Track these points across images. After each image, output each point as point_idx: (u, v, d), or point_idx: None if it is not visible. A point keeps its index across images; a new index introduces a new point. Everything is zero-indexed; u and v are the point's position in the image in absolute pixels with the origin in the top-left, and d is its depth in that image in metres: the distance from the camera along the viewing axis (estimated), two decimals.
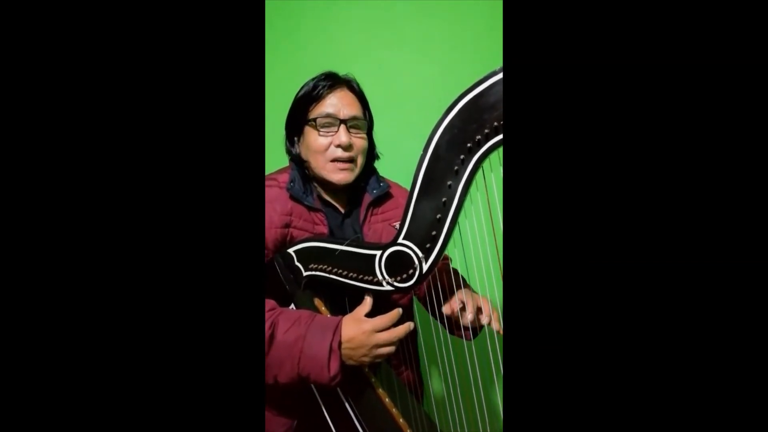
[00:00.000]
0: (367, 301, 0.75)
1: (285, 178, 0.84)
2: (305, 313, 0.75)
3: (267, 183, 0.83)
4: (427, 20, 1.35)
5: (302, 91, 0.84)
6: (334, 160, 0.81)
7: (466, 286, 0.90)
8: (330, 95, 0.82)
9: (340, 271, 0.75)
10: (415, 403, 0.81)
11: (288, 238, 0.81)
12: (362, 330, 0.71)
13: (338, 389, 0.76)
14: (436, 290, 0.81)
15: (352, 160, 0.83)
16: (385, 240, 0.74)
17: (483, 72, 0.60)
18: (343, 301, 0.79)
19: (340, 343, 0.71)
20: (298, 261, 0.78)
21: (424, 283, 0.85)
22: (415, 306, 0.93)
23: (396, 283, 0.72)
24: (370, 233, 0.87)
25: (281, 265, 0.78)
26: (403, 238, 0.70)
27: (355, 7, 1.36)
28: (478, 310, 0.81)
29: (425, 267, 0.70)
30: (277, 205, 0.80)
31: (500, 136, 0.61)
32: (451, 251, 0.88)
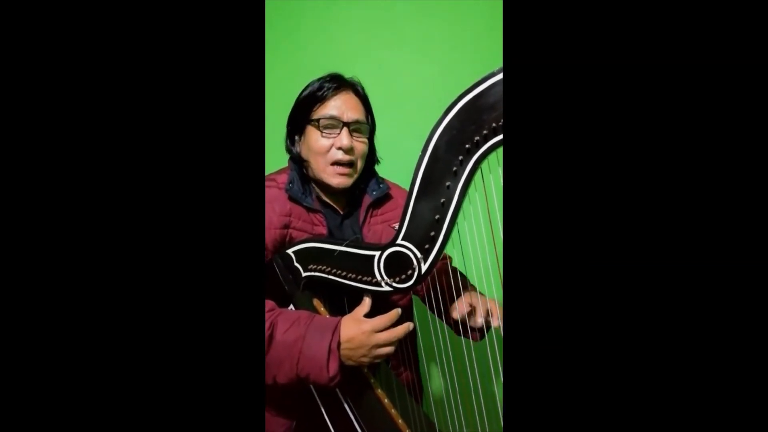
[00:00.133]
0: (366, 302, 0.75)
1: (284, 178, 0.84)
2: (304, 313, 0.75)
3: (266, 183, 0.83)
4: (427, 20, 1.35)
5: (306, 91, 0.84)
6: (334, 163, 0.81)
7: (471, 286, 0.90)
8: (335, 97, 0.82)
9: (339, 271, 0.75)
10: (414, 404, 0.81)
11: (287, 239, 0.81)
12: (361, 330, 0.72)
13: (337, 390, 0.76)
14: (441, 291, 0.81)
15: (351, 164, 0.83)
16: (384, 241, 0.74)
17: (483, 72, 0.60)
18: (342, 302, 0.80)
19: (339, 344, 0.71)
20: (297, 262, 0.78)
21: (424, 283, 0.85)
22: (414, 306, 0.93)
23: (395, 284, 0.72)
24: (369, 234, 0.87)
25: (280, 265, 0.79)
26: (402, 239, 0.70)
27: (355, 7, 1.36)
28: (487, 312, 0.81)
29: (424, 267, 0.70)
30: (276, 205, 0.81)
31: (499, 137, 0.61)
32: (450, 252, 0.88)
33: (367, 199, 0.89)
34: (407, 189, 0.69)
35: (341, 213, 0.88)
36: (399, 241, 0.70)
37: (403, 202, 0.69)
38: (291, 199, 0.82)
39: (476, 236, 0.71)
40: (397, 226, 0.70)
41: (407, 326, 0.73)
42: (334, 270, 0.76)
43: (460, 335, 0.83)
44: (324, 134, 0.81)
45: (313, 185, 0.87)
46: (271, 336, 0.72)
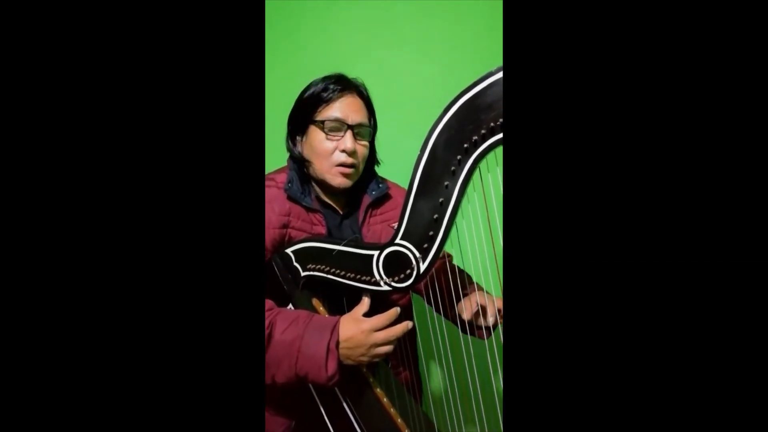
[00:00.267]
0: (365, 301, 0.75)
1: (283, 178, 0.84)
2: (303, 312, 0.76)
3: (265, 183, 0.83)
4: (427, 20, 1.35)
5: (310, 91, 0.83)
6: (337, 165, 0.82)
7: (475, 284, 0.90)
8: (340, 99, 0.82)
9: (338, 271, 0.75)
10: (413, 403, 0.81)
11: (286, 239, 0.81)
12: (360, 329, 0.72)
13: (336, 389, 0.76)
14: (444, 288, 0.81)
15: (354, 166, 0.83)
16: (383, 240, 0.74)
17: (483, 72, 0.60)
18: (341, 302, 0.80)
19: (338, 343, 0.71)
20: (296, 261, 0.78)
21: (426, 280, 0.85)
22: (413, 305, 0.93)
23: (393, 283, 0.72)
24: (369, 234, 0.88)
25: (279, 265, 0.79)
26: (401, 239, 0.70)
27: (355, 7, 1.36)
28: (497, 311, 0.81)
29: (422, 267, 0.70)
30: (275, 205, 0.81)
31: (497, 137, 0.61)
32: (449, 251, 0.88)
33: (367, 199, 0.89)
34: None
35: (341, 213, 0.88)
36: (398, 241, 0.70)
37: (401, 202, 0.69)
38: (290, 198, 0.82)
39: (475, 235, 0.71)
40: (396, 225, 0.70)
41: (406, 325, 0.73)
42: (333, 269, 0.76)
43: (466, 333, 0.83)
44: (329, 136, 0.81)
45: (313, 185, 0.87)
46: (270, 335, 0.72)
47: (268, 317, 0.73)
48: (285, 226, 0.81)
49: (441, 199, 0.66)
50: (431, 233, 0.68)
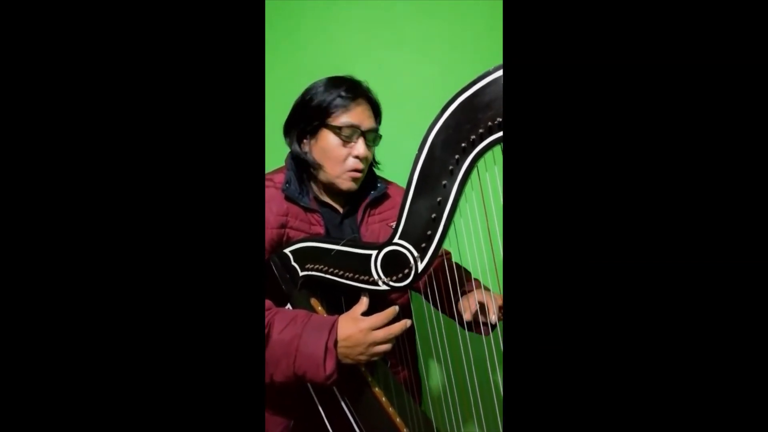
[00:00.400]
0: (364, 301, 0.75)
1: (281, 178, 0.84)
2: (301, 312, 0.76)
3: None
4: (427, 20, 1.35)
5: (325, 95, 0.82)
6: (349, 170, 0.82)
7: (475, 281, 0.90)
8: (355, 105, 0.82)
9: (337, 271, 0.76)
10: (412, 402, 0.82)
11: (284, 239, 0.81)
12: (359, 328, 0.72)
13: (335, 388, 0.76)
14: (443, 286, 0.81)
15: (363, 171, 0.84)
16: (382, 240, 0.74)
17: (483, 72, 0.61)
18: (339, 301, 0.80)
19: (336, 342, 0.72)
20: (294, 261, 0.78)
21: (425, 278, 0.85)
22: (411, 304, 0.93)
23: (392, 283, 0.72)
24: (367, 233, 0.88)
25: (278, 265, 0.79)
26: (399, 238, 0.70)
27: (355, 7, 1.36)
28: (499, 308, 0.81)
29: (421, 266, 0.70)
30: (273, 205, 0.81)
31: (495, 136, 0.61)
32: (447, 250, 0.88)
33: (366, 199, 0.89)
34: None
35: (341, 212, 0.88)
36: (396, 240, 0.70)
37: (400, 201, 0.69)
38: (288, 199, 0.82)
39: (473, 235, 0.71)
40: (394, 225, 0.71)
41: (404, 323, 0.73)
42: (331, 269, 0.76)
43: (469, 330, 0.84)
44: (344, 142, 0.81)
45: (312, 185, 0.87)
46: (268, 335, 0.72)
47: (267, 317, 0.74)
48: (283, 226, 0.81)
49: (439, 199, 0.66)
50: (429, 232, 0.68)
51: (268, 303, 0.77)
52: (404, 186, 0.69)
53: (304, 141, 0.85)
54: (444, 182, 0.65)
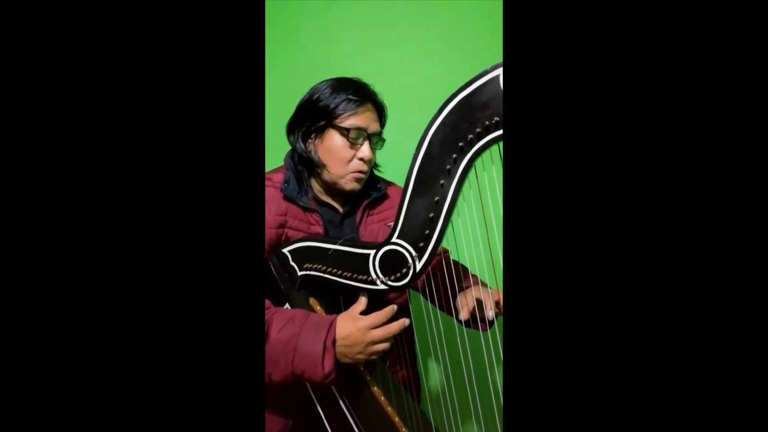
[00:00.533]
0: (362, 300, 0.75)
1: (279, 177, 0.84)
2: (300, 311, 0.76)
3: None
4: (427, 20, 1.35)
5: (334, 97, 0.82)
6: (353, 172, 0.83)
7: (474, 277, 0.90)
8: (363, 108, 0.82)
9: (335, 270, 0.76)
10: (411, 402, 0.82)
11: (283, 238, 0.81)
12: (357, 327, 0.72)
13: (333, 388, 0.76)
14: (442, 284, 0.81)
15: (366, 173, 0.84)
16: (380, 239, 0.74)
17: None
18: (338, 301, 0.80)
19: (334, 341, 0.72)
20: (292, 261, 0.78)
21: (424, 276, 0.85)
22: (410, 303, 0.93)
23: (390, 282, 0.73)
24: (365, 233, 0.88)
25: (276, 264, 0.79)
26: (397, 237, 0.70)
27: (355, 7, 1.36)
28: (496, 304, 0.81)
29: (419, 265, 0.70)
30: (272, 205, 0.81)
31: (492, 135, 0.61)
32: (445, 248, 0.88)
33: (365, 199, 0.90)
34: None
35: (341, 212, 0.88)
36: (394, 240, 0.70)
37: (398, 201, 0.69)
38: (286, 198, 0.82)
39: (471, 234, 0.71)
40: (392, 224, 0.71)
41: (402, 322, 0.74)
42: (330, 269, 0.76)
43: (467, 326, 0.84)
44: (352, 144, 0.81)
45: (312, 184, 0.88)
46: (266, 334, 0.72)
47: (265, 316, 0.74)
48: (282, 225, 0.81)
49: (437, 198, 0.66)
50: (427, 232, 0.68)
51: (266, 302, 0.77)
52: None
53: (309, 140, 0.85)
54: (442, 181, 0.65)
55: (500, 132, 0.61)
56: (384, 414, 0.79)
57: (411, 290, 0.95)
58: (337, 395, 0.77)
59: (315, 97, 0.83)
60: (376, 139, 0.85)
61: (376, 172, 0.94)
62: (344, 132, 0.81)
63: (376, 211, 0.91)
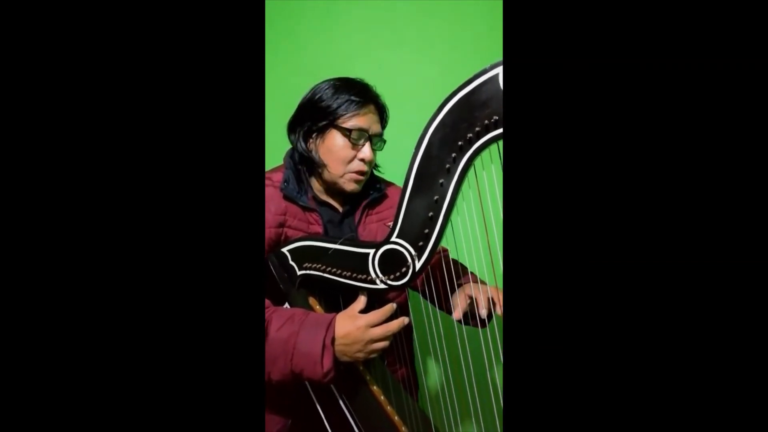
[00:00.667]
0: (361, 299, 0.76)
1: (279, 177, 0.84)
2: (299, 310, 0.76)
3: None
4: (427, 20, 1.35)
5: (336, 97, 0.82)
6: (353, 172, 0.83)
7: (471, 275, 0.90)
8: (365, 109, 0.82)
9: (334, 270, 0.76)
10: (410, 400, 0.82)
11: (282, 238, 0.81)
12: (357, 326, 0.72)
13: (332, 387, 0.76)
14: (441, 282, 0.81)
15: (366, 174, 0.84)
16: (379, 239, 0.74)
17: None
18: (337, 300, 0.80)
19: (333, 340, 0.72)
20: (292, 260, 0.78)
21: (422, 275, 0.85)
22: (409, 302, 0.93)
23: (389, 281, 0.73)
24: (364, 233, 0.88)
25: (275, 264, 0.79)
26: (396, 237, 0.70)
27: (355, 8, 1.36)
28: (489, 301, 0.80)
29: (418, 265, 0.70)
30: (271, 204, 0.81)
31: (492, 134, 0.61)
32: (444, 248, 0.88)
33: (364, 200, 0.90)
34: None
35: (340, 211, 0.88)
36: (393, 239, 0.71)
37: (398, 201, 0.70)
38: (286, 198, 0.82)
39: (470, 233, 0.72)
40: (391, 224, 0.71)
41: (402, 321, 0.74)
42: (329, 268, 0.76)
43: (466, 323, 0.84)
44: (353, 145, 0.82)
45: (311, 184, 0.88)
46: (265, 333, 0.72)
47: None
48: (281, 225, 0.81)
49: (436, 197, 0.66)
50: (426, 231, 0.68)
51: (266, 302, 0.77)
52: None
53: (311, 140, 0.85)
54: (441, 181, 0.65)
55: (499, 131, 0.61)
56: (383, 413, 0.79)
57: (410, 289, 0.95)
58: (337, 394, 0.77)
59: (317, 97, 0.83)
60: (377, 140, 0.85)
61: (376, 173, 0.94)
62: (346, 132, 0.81)
63: (375, 211, 0.91)
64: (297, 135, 0.86)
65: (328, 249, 0.76)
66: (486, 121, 0.61)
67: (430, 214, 0.67)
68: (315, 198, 0.87)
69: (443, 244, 0.71)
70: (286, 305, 0.79)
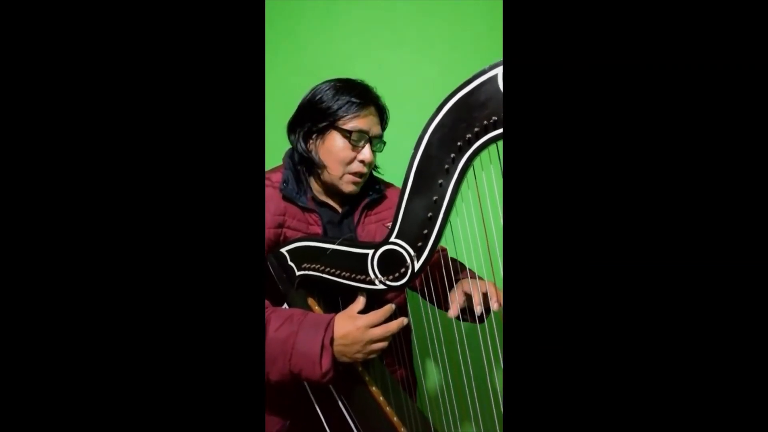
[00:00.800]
0: (360, 299, 0.75)
1: (278, 177, 0.84)
2: (297, 310, 0.76)
3: None
4: (427, 20, 1.35)
5: (337, 99, 0.82)
6: (352, 173, 0.83)
7: (469, 272, 0.90)
8: (366, 111, 0.82)
9: (333, 270, 0.76)
10: (409, 401, 0.82)
11: (281, 238, 0.81)
12: (356, 326, 0.72)
13: (331, 387, 0.76)
14: (440, 281, 0.81)
15: (365, 175, 0.85)
16: (378, 239, 0.74)
17: None
18: (336, 301, 0.80)
19: (332, 340, 0.72)
20: (291, 260, 0.78)
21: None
22: (408, 303, 0.93)
23: (388, 282, 0.72)
24: (363, 233, 0.88)
25: (274, 264, 0.79)
26: (395, 237, 0.70)
27: (355, 8, 1.36)
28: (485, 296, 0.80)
29: (417, 265, 0.70)
30: (270, 205, 0.81)
31: (491, 135, 0.61)
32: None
33: (363, 200, 0.90)
34: None
35: (340, 211, 0.88)
36: (392, 240, 0.70)
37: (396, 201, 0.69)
38: (285, 198, 0.82)
39: (469, 233, 0.71)
40: (390, 224, 0.71)
41: (401, 321, 0.74)
42: (328, 269, 0.76)
43: (463, 320, 0.83)
44: (353, 146, 0.81)
45: (311, 184, 0.88)
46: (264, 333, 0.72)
47: None
48: (280, 225, 0.81)
49: (435, 198, 0.66)
50: (425, 231, 0.68)
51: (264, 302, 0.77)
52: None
53: (310, 140, 0.85)
54: (440, 181, 0.65)
55: (499, 131, 0.61)
56: (383, 413, 0.79)
57: (409, 290, 0.95)
58: (336, 395, 0.77)
59: (317, 97, 0.83)
60: (376, 142, 0.85)
61: (376, 174, 0.94)
62: (346, 134, 0.81)
63: (374, 211, 0.91)
64: (297, 135, 0.86)
65: (327, 249, 0.76)
66: (485, 122, 0.61)
67: (429, 214, 0.67)
68: (314, 198, 0.87)
69: (442, 244, 0.71)
70: (285, 306, 0.79)
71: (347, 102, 0.81)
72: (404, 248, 0.70)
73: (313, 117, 0.83)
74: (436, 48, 1.35)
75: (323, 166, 0.83)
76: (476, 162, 0.65)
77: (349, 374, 0.77)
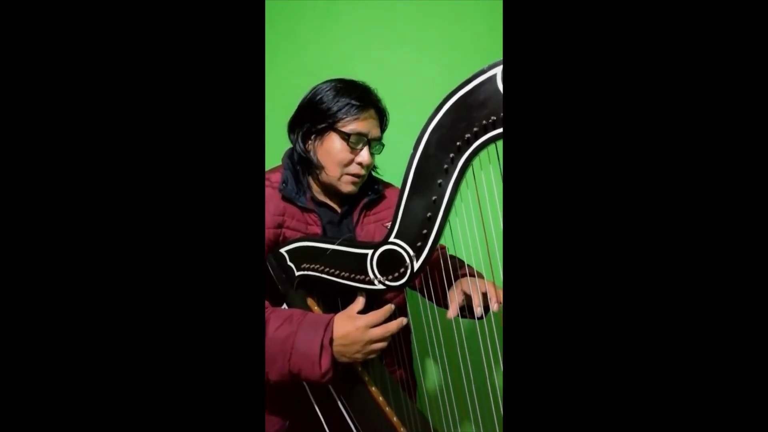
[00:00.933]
0: (360, 300, 0.75)
1: (277, 177, 0.84)
2: (297, 311, 0.76)
3: None
4: (427, 20, 1.35)
5: (336, 101, 0.81)
6: (350, 175, 0.83)
7: (468, 270, 0.90)
8: (365, 114, 0.82)
9: (333, 270, 0.76)
10: (409, 402, 0.82)
11: (281, 239, 0.81)
12: (355, 326, 0.72)
13: (330, 387, 0.76)
14: (439, 280, 0.81)
15: (363, 176, 0.84)
16: (377, 239, 0.74)
17: None
18: (335, 301, 0.80)
19: (331, 340, 0.72)
20: (290, 261, 0.78)
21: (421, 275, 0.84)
22: (408, 303, 0.93)
23: (388, 282, 0.72)
24: (362, 234, 0.88)
25: (273, 265, 0.79)
26: (394, 237, 0.70)
27: (355, 8, 1.36)
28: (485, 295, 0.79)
29: (416, 265, 0.70)
30: (269, 205, 0.81)
31: (490, 134, 0.61)
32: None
33: (362, 200, 0.90)
34: None
35: (339, 212, 0.88)
36: (391, 240, 0.70)
37: (396, 201, 0.69)
38: (284, 198, 0.82)
39: (468, 233, 0.71)
40: (389, 224, 0.71)
41: (401, 321, 0.74)
42: (328, 269, 0.76)
43: (462, 317, 0.83)
44: (351, 149, 0.81)
45: (310, 185, 0.87)
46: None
47: None
48: (279, 226, 0.81)
49: (434, 198, 0.66)
50: (425, 231, 0.68)
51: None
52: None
53: (309, 141, 0.85)
54: (439, 181, 0.65)
55: (498, 131, 0.61)
56: (382, 414, 0.79)
57: (408, 289, 0.95)
58: (335, 395, 0.77)
59: (317, 98, 0.83)
60: (375, 144, 0.85)
61: (375, 174, 0.94)
62: (345, 136, 0.81)
63: (373, 212, 0.91)
64: (296, 135, 0.86)
65: (326, 250, 0.76)
66: (484, 122, 0.61)
67: (429, 214, 0.67)
68: (313, 199, 0.87)
69: (441, 243, 0.71)
70: (285, 306, 0.79)
71: (347, 104, 0.81)
72: (403, 248, 0.70)
73: (312, 117, 0.83)
74: (436, 48, 1.35)
75: (321, 167, 0.83)
76: (475, 162, 0.65)
77: (348, 374, 0.77)
